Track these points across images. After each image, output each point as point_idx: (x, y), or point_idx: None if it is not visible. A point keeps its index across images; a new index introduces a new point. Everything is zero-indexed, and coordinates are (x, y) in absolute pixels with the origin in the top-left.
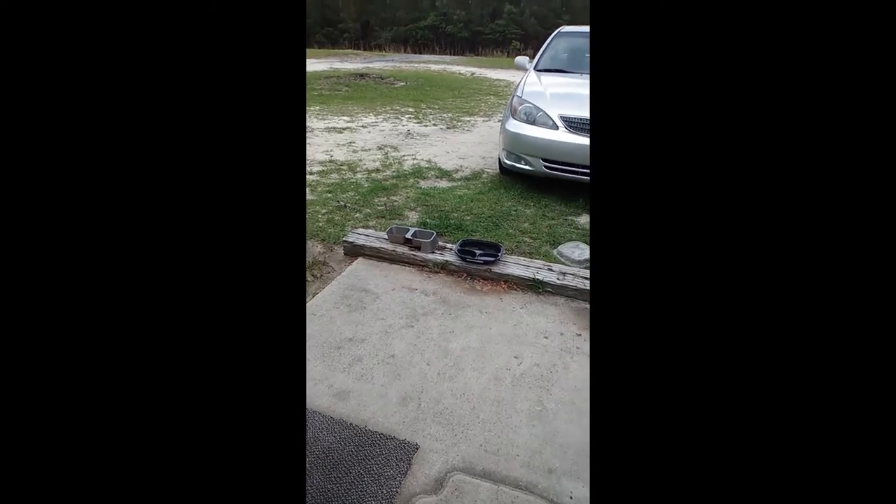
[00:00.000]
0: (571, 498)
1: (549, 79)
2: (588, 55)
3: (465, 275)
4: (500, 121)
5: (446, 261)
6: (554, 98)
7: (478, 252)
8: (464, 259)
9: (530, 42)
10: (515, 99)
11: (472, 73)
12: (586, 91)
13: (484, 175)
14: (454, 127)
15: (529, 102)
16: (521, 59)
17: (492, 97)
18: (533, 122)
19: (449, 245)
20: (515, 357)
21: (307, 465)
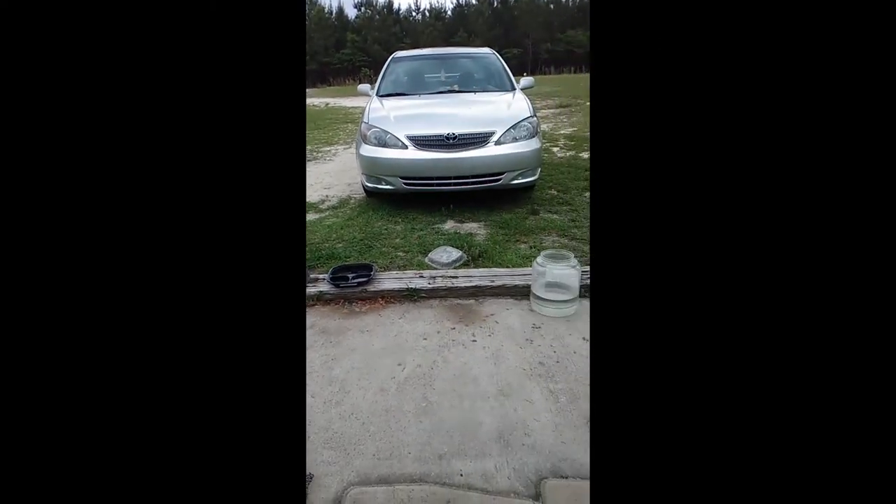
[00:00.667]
0: (461, 475)
1: (391, 102)
2: (426, 76)
3: (341, 300)
4: None
5: (320, 291)
6: (398, 120)
7: (350, 276)
8: (337, 285)
9: (378, 66)
10: (363, 125)
11: (327, 104)
12: (428, 110)
13: (351, 201)
14: (315, 158)
15: (377, 127)
16: (364, 87)
17: (349, 124)
18: (384, 145)
19: (321, 276)
20: (399, 364)
21: None
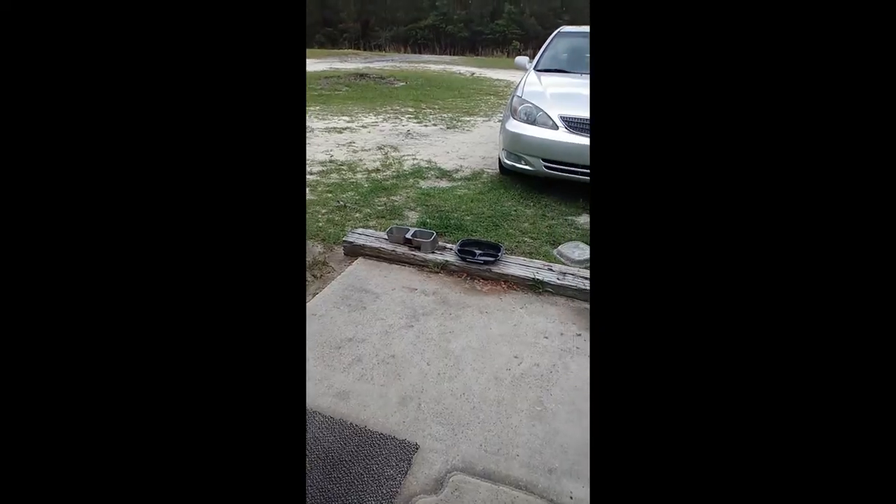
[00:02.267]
0: (571, 498)
1: (549, 79)
2: (588, 55)
3: (465, 275)
4: (499, 121)
5: (446, 261)
6: (554, 98)
7: (478, 252)
8: (464, 259)
9: (530, 42)
10: (515, 99)
11: (472, 73)
12: (586, 91)
13: (484, 175)
14: (454, 127)
15: (529, 102)
16: (521, 59)
17: (492, 97)
18: (533, 122)
19: (449, 245)
20: (515, 357)
21: (308, 464)
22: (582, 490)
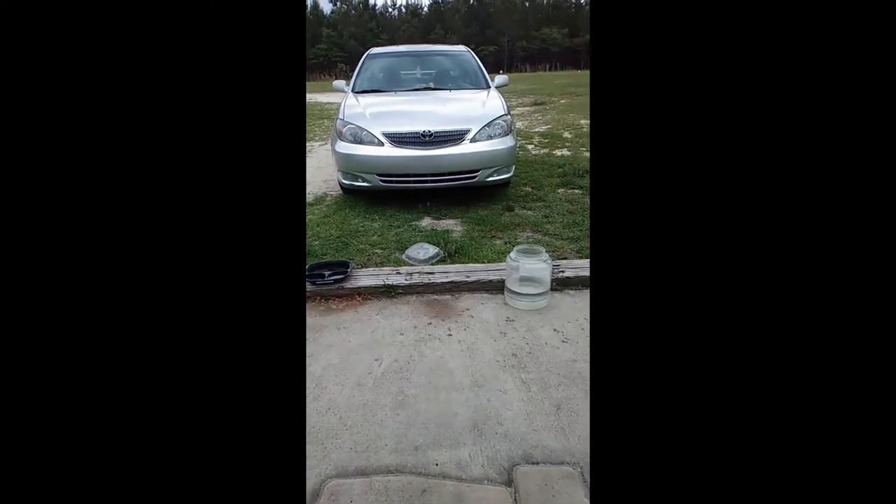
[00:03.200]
0: (437, 465)
1: (366, 99)
2: (402, 72)
3: (318, 298)
4: None
5: None
6: (374, 117)
7: (327, 273)
8: (314, 283)
9: (354, 62)
10: (339, 122)
11: None
12: (404, 107)
13: (328, 198)
14: None
15: (353, 124)
16: (339, 83)
17: (325, 121)
18: (360, 142)
19: None
20: (376, 360)
21: None
22: (445, 454)
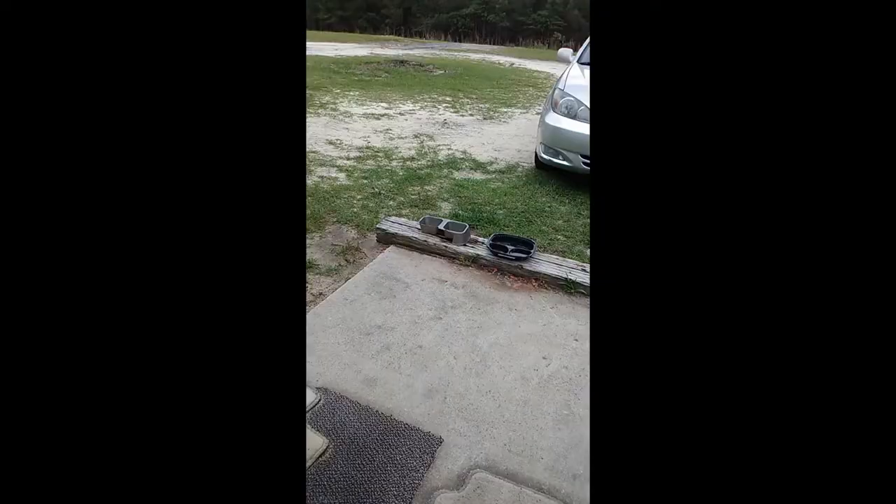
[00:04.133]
0: None
1: None
2: None
3: (495, 270)
4: (538, 113)
5: (478, 254)
6: None
7: (510, 247)
8: (495, 254)
9: (572, 34)
10: (557, 92)
11: (512, 64)
12: None
13: (519, 169)
14: (491, 118)
15: (571, 96)
16: (565, 52)
17: (530, 89)
18: (574, 117)
19: (481, 238)
20: (544, 358)
21: (333, 449)
22: None
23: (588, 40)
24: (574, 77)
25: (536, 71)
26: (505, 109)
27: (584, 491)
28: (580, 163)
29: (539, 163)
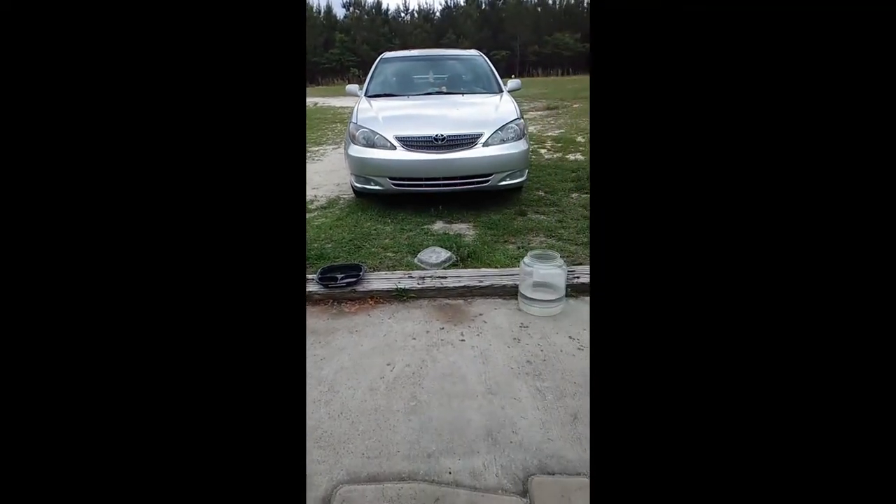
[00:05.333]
0: (450, 473)
1: (379, 103)
2: (415, 76)
3: (330, 300)
4: None
5: (309, 291)
6: (387, 121)
7: (339, 276)
8: (326, 286)
9: (367, 66)
10: (352, 125)
11: (316, 104)
12: (416, 111)
13: (340, 201)
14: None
15: (365, 127)
16: (352, 87)
17: (338, 124)
18: (373, 146)
19: (310, 276)
20: (388, 364)
21: None
22: (458, 463)
23: (370, 75)
24: (364, 110)
25: (340, 107)
26: (316, 148)
27: (438, 464)
28: (390, 185)
29: (356, 191)
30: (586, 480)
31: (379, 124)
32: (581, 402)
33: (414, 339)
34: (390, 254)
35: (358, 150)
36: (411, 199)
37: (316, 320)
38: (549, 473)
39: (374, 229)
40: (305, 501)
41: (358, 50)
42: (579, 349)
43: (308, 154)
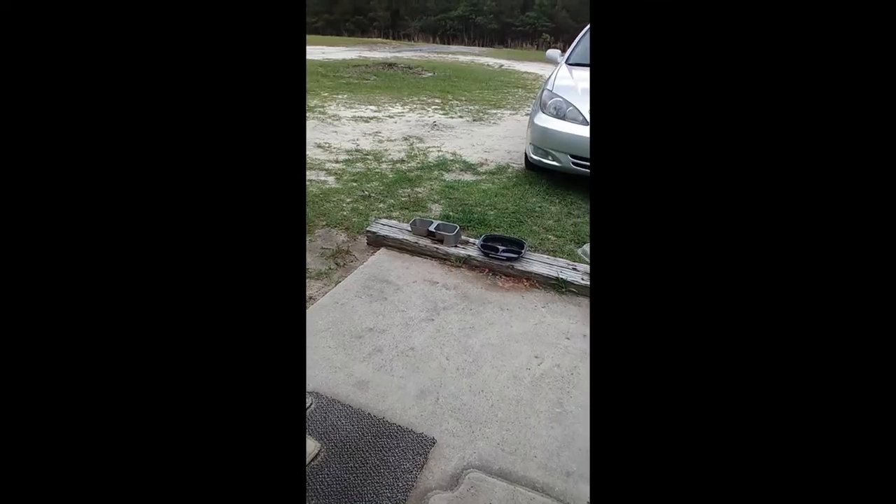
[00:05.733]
0: (588, 502)
1: (581, 73)
2: None
3: (487, 270)
4: (527, 114)
5: (469, 255)
6: (585, 93)
7: (501, 248)
8: (486, 254)
9: (561, 35)
10: (545, 93)
11: (501, 66)
12: None
13: (509, 170)
14: (480, 119)
15: (560, 97)
16: (553, 52)
17: (520, 90)
18: (563, 117)
19: (472, 240)
20: (536, 357)
21: (326, 452)
22: None
23: (576, 41)
24: (562, 78)
25: (525, 72)
26: (494, 111)
27: (577, 488)
28: (569, 163)
29: (529, 163)
30: None
31: (576, 95)
32: None
33: (568, 339)
34: (552, 237)
35: (545, 120)
36: (585, 183)
37: (470, 286)
38: None
39: (540, 206)
40: (305, 500)
41: (556, 16)
42: None
43: (486, 116)
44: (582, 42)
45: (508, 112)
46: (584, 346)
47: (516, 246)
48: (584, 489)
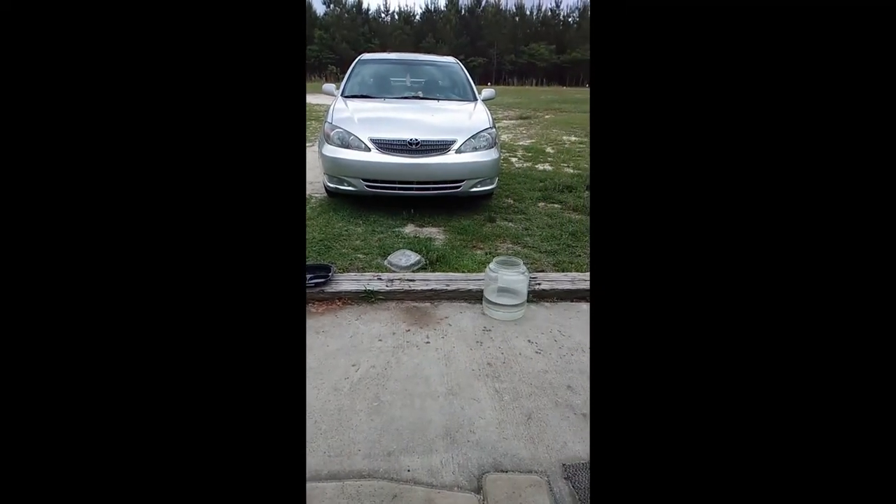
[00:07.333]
0: (409, 471)
1: (355, 104)
2: (392, 79)
3: None
4: None
5: None
6: (362, 122)
7: (308, 276)
8: None
9: (345, 65)
10: (327, 125)
11: None
12: (392, 114)
13: (312, 200)
14: None
15: (341, 128)
16: (329, 86)
17: (313, 122)
18: (347, 146)
19: None
20: (353, 365)
21: None
22: (417, 461)
23: (347, 75)
24: (339, 110)
25: (317, 104)
26: None
27: (398, 463)
28: (363, 186)
29: (328, 191)
30: (537, 478)
31: (354, 125)
32: (535, 403)
33: (380, 340)
34: (360, 255)
35: (332, 150)
36: (383, 202)
37: None
38: (502, 471)
39: (346, 230)
40: (305, 499)
41: (337, 48)
42: (537, 353)
43: None
44: (353, 75)
45: (307, 145)
46: (393, 342)
47: (323, 271)
48: (405, 461)
